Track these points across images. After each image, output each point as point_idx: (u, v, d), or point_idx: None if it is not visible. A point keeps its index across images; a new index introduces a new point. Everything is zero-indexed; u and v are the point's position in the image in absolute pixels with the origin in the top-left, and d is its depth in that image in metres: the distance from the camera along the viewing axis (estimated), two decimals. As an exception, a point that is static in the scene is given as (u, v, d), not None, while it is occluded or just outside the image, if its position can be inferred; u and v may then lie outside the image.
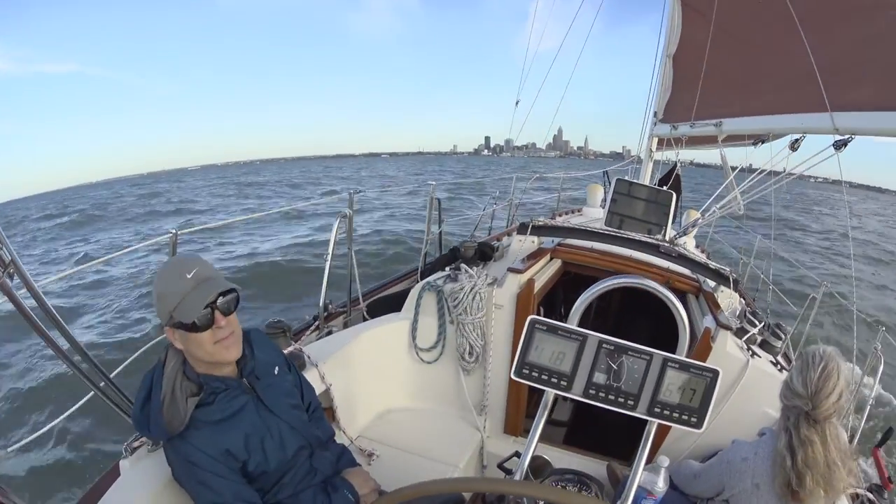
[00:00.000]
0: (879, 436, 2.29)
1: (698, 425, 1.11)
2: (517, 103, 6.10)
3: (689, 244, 5.04)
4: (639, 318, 4.20)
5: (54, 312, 1.27)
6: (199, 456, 1.35)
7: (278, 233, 15.41)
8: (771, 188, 3.58)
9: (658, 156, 6.20)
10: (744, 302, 3.70)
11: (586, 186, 6.02)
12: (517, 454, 1.30)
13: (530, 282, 2.67)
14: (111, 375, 1.48)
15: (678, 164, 6.06)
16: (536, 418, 1.28)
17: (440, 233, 4.20)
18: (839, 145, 2.79)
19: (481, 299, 2.65)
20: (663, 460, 1.42)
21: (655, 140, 5.88)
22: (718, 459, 1.89)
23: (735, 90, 4.43)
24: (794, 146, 3.44)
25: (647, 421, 1.19)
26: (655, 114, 5.71)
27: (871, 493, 2.07)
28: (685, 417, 1.12)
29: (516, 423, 2.79)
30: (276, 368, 1.61)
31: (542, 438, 2.79)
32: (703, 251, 5.79)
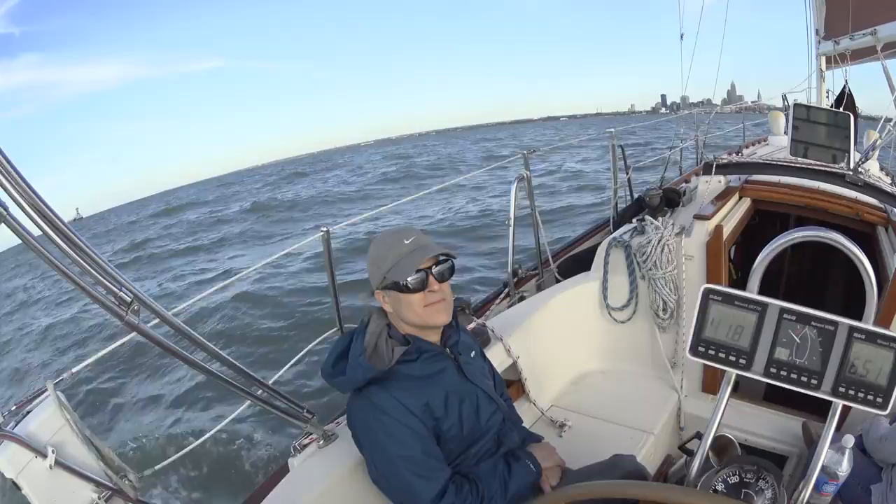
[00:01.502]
0: None
1: (883, 406, 0.96)
2: (682, 36, 5.53)
3: (873, 168, 4.55)
4: (835, 254, 3.80)
5: (194, 334, 1.24)
6: (395, 405, 1.32)
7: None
8: None
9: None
10: None
11: (768, 114, 5.47)
12: (699, 435, 1.18)
13: (718, 228, 2.52)
14: (270, 382, 1.45)
15: (846, 83, 5.34)
16: (718, 397, 1.15)
17: (629, 179, 4.02)
18: None
19: (670, 251, 2.51)
20: (848, 440, 1.24)
21: (824, 59, 5.26)
22: None
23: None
24: None
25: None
26: (817, 31, 5.09)
27: None
28: (870, 398, 0.97)
29: (715, 380, 2.60)
30: (473, 353, 1.61)
31: (741, 395, 2.60)
32: (888, 174, 5.12)
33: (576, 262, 2.98)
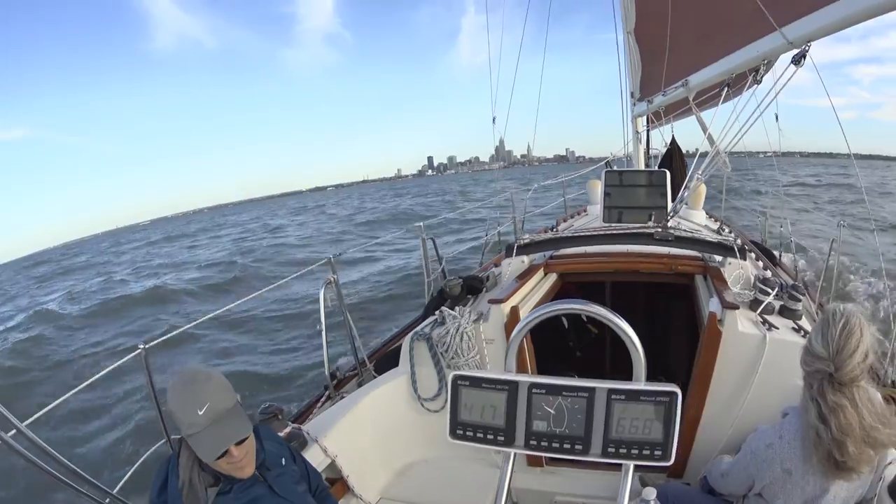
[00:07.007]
0: None
1: (664, 458, 1.00)
2: (494, 120, 6.02)
3: (697, 218, 4.84)
4: (634, 310, 4.07)
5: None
6: None
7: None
8: (749, 127, 3.35)
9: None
10: (761, 265, 3.52)
11: (587, 183, 5.72)
12: None
13: (514, 309, 2.65)
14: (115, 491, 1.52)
15: (673, 137, 5.90)
16: (501, 471, 1.19)
17: (442, 270, 4.11)
18: (797, 59, 2.64)
19: (470, 338, 2.64)
20: (649, 492, 1.29)
21: (640, 121, 5.76)
22: (743, 452, 1.78)
23: (697, 47, 4.32)
24: (755, 78, 3.22)
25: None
26: (632, 94, 5.58)
27: None
28: (646, 452, 1.01)
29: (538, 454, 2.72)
30: (284, 460, 1.68)
31: (555, 460, 2.67)
32: (715, 220, 5.53)
33: (390, 358, 3.04)
